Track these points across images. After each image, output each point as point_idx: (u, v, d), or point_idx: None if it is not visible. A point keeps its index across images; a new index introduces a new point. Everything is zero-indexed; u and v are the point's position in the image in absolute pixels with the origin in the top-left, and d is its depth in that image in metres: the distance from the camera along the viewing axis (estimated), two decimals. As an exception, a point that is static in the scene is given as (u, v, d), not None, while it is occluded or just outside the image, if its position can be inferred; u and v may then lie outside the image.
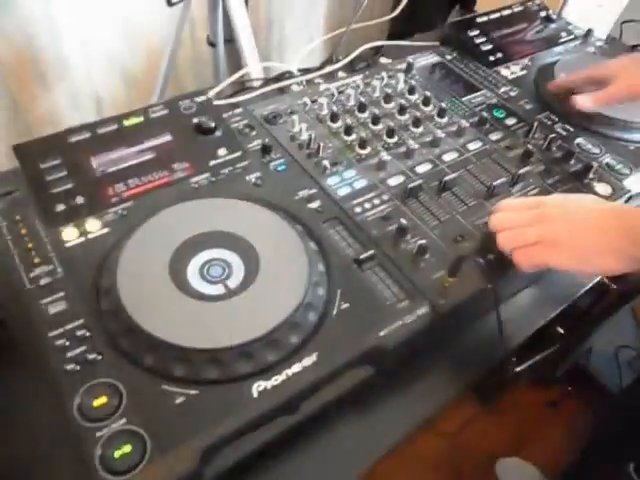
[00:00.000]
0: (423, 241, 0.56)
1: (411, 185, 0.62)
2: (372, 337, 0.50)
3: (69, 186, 0.58)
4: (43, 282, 0.50)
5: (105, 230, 0.55)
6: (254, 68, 0.95)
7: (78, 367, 0.45)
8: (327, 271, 0.54)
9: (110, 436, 0.41)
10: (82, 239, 0.54)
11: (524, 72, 0.85)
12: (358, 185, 0.63)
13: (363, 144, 0.67)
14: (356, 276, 0.54)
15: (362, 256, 0.54)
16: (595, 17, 1.02)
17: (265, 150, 0.65)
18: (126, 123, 0.63)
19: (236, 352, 0.45)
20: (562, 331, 0.95)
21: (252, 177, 0.62)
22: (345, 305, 0.51)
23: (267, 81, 0.83)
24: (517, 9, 0.94)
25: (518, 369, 0.60)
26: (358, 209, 0.60)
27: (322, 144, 0.65)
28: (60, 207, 0.56)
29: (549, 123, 0.76)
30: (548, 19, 0.95)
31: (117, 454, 0.41)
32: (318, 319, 0.50)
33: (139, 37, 1.30)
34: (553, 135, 0.71)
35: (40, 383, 0.47)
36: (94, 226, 0.55)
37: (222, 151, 0.64)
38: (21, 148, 0.59)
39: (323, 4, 1.61)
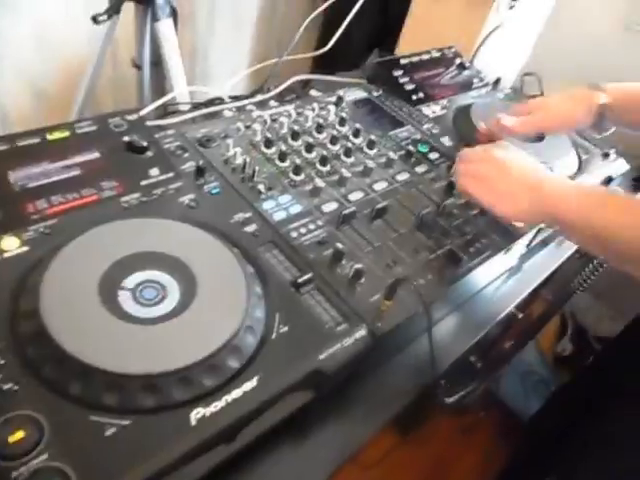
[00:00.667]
0: (359, 265, 0.57)
1: (345, 212, 0.63)
2: (312, 361, 0.49)
3: (-17, 200, 0.53)
4: (-51, 304, 0.45)
5: (24, 249, 0.51)
6: (182, 92, 0.93)
7: (-10, 399, 0.40)
8: (265, 294, 0.53)
9: (29, 475, 0.37)
10: (-3, 258, 0.49)
11: (444, 112, 0.92)
12: (293, 210, 0.64)
13: (297, 170, 0.68)
14: (294, 299, 0.54)
15: (300, 279, 0.54)
16: (501, 68, 1.12)
17: (199, 172, 0.63)
18: (50, 137, 0.60)
19: (173, 377, 0.43)
20: (477, 361, 0.99)
21: (185, 199, 0.60)
22: (284, 329, 0.51)
23: (197, 105, 0.83)
24: (435, 54, 1.02)
25: (450, 400, 0.62)
26: (294, 234, 0.61)
27: (257, 168, 0.65)
28: (-29, 223, 0.51)
29: (468, 159, 0.81)
30: (462, 66, 1.03)
31: (37, 495, 0.37)
32: (258, 343, 0.49)
33: (53, 51, 1.23)
34: (473, 170, 0.76)
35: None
36: (11, 244, 0.51)
37: (154, 171, 0.62)
38: None
39: (247, 36, 1.64)
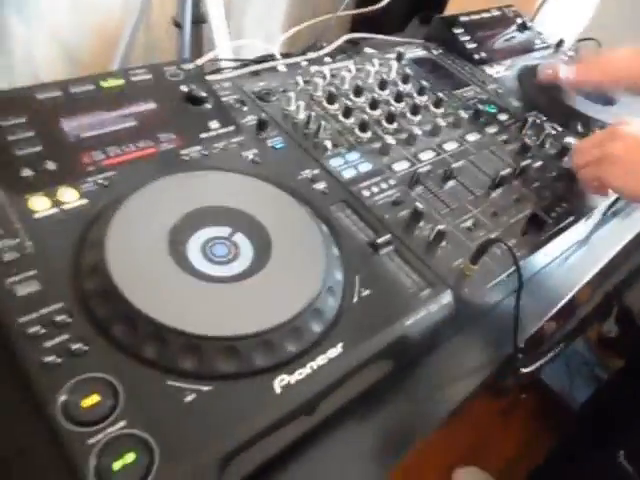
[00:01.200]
0: (441, 227, 0.52)
1: (420, 170, 0.58)
2: (398, 327, 0.45)
3: (37, 149, 0.48)
4: (8, 258, 0.41)
5: (83, 201, 0.46)
6: (226, 49, 0.88)
7: (59, 359, 0.36)
8: (342, 255, 0.49)
9: (107, 443, 0.33)
10: (55, 210, 0.45)
11: (507, 72, 0.85)
12: (363, 168, 0.59)
13: (364, 127, 0.63)
14: (373, 262, 0.49)
15: (379, 240, 0.50)
16: (561, 30, 1.04)
17: (261, 126, 0.59)
18: (104, 84, 0.55)
19: (255, 341, 0.39)
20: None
21: (249, 154, 0.56)
22: (365, 292, 0.46)
23: (249, 62, 0.77)
24: (495, 13, 0.95)
25: (530, 368, 0.58)
26: (366, 192, 0.56)
27: (323, 124, 0.60)
28: (26, 172, 0.47)
29: (538, 122, 0.76)
30: (524, 26, 0.96)
31: (117, 465, 0.32)
32: (339, 306, 0.44)
33: (88, 14, 1.19)
34: (547, 132, 0.71)
35: (12, 381, 0.38)
36: (70, 196, 0.46)
37: (214, 124, 0.57)
38: (-25, 102, 0.49)
39: (282, 3, 1.57)
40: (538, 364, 0.62)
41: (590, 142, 0.62)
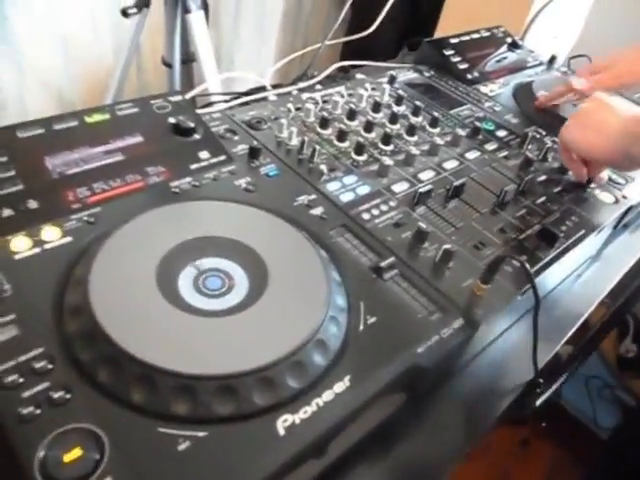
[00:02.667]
0: (448, 246, 0.49)
1: (421, 190, 0.56)
2: (409, 355, 0.41)
3: (18, 188, 0.46)
4: (-16, 303, 0.38)
5: (67, 239, 0.44)
6: (216, 84, 0.87)
7: (39, 410, 0.33)
8: (344, 281, 0.46)
9: (91, 503, 0.30)
10: (37, 250, 0.43)
11: (502, 90, 0.84)
12: (361, 191, 0.56)
13: (360, 150, 0.61)
14: (377, 287, 0.46)
15: (382, 264, 0.47)
16: (551, 48, 1.04)
17: (253, 154, 0.57)
18: (88, 120, 0.53)
19: (253, 378, 0.35)
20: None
21: (242, 182, 0.53)
22: (372, 319, 0.43)
23: (240, 94, 0.76)
24: (484, 34, 0.95)
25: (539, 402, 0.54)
26: (366, 215, 0.53)
27: (317, 148, 0.58)
28: (7, 212, 0.44)
29: (538, 136, 0.74)
30: (514, 45, 0.95)
31: (103, 528, 0.29)
32: (344, 336, 0.41)
33: (79, 63, 1.19)
34: (549, 145, 0.69)
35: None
36: (52, 235, 0.44)
37: (204, 154, 0.55)
38: (-46, 143, 0.47)
39: (272, 34, 1.59)
40: (554, 387, 0.58)
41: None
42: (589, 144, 0.60)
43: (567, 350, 1.33)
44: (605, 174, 0.66)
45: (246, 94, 0.77)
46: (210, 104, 0.77)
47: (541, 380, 0.55)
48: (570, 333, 0.62)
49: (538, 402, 0.63)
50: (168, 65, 0.99)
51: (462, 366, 0.53)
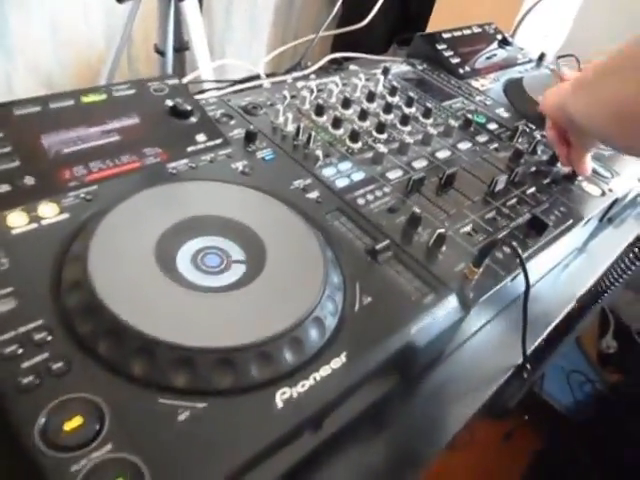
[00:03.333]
0: (441, 230, 0.50)
1: (415, 177, 0.56)
2: (403, 334, 0.42)
3: (15, 164, 0.46)
4: (-18, 275, 0.38)
5: (64, 215, 0.44)
6: (208, 72, 0.87)
7: (38, 380, 0.33)
8: (340, 263, 0.46)
9: (92, 469, 0.30)
10: (34, 225, 0.42)
11: (493, 85, 0.86)
12: (356, 177, 0.57)
13: (354, 137, 0.61)
14: (373, 268, 0.47)
15: (377, 247, 0.47)
16: (539, 47, 1.06)
17: (249, 138, 0.57)
18: (84, 100, 0.53)
19: (252, 352, 0.36)
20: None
21: (239, 165, 0.54)
22: (368, 300, 0.44)
23: (235, 82, 0.77)
24: (476, 30, 0.96)
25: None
26: (361, 200, 0.54)
27: (313, 134, 0.59)
28: (4, 187, 0.44)
29: (527, 130, 0.75)
30: (505, 42, 0.97)
31: (104, 494, 0.29)
32: (340, 314, 0.42)
33: (69, 46, 1.18)
34: (538, 139, 0.70)
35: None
36: (50, 211, 0.44)
37: (201, 137, 0.56)
38: (-51, 118, 0.47)
39: (263, 27, 1.59)
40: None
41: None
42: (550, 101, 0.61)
43: (548, 344, 1.35)
44: (589, 165, 0.66)
45: (240, 82, 0.78)
46: (203, 91, 0.77)
47: (528, 366, 0.57)
48: (555, 323, 0.63)
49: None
50: (161, 53, 0.99)
51: (450, 352, 0.53)
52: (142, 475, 0.30)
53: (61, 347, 0.35)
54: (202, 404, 0.34)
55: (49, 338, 0.35)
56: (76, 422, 0.32)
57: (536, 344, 0.61)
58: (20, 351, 0.34)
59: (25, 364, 0.34)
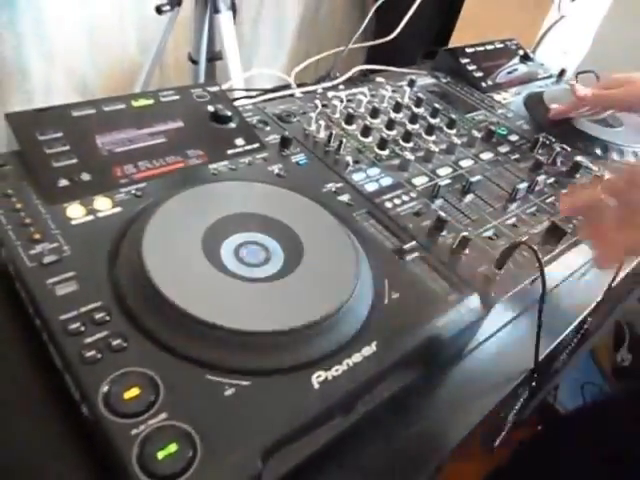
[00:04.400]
0: (465, 233, 0.53)
1: (441, 183, 0.60)
2: (429, 327, 0.45)
3: (73, 161, 0.50)
4: (47, 260, 0.42)
5: (117, 209, 0.48)
6: (240, 81, 0.92)
7: (100, 355, 0.37)
8: (370, 260, 0.49)
9: (149, 434, 0.33)
10: (91, 217, 0.46)
11: (514, 99, 0.89)
12: (384, 182, 0.60)
13: (382, 145, 0.65)
14: (400, 267, 0.50)
15: (405, 247, 0.51)
16: (561, 62, 1.09)
17: (284, 143, 0.61)
18: (134, 104, 0.57)
19: (293, 337, 0.39)
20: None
21: (274, 168, 0.57)
22: (395, 295, 0.47)
23: (267, 91, 0.81)
24: (498, 45, 0.99)
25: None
26: (389, 204, 0.57)
27: (344, 141, 0.62)
28: (63, 182, 0.48)
29: (547, 142, 0.78)
30: (526, 57, 1.00)
31: (160, 455, 0.32)
32: (370, 307, 0.45)
33: (104, 52, 1.24)
34: (558, 150, 0.73)
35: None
36: (104, 205, 0.48)
37: (239, 141, 0.59)
38: (14, 117, 0.51)
39: (288, 39, 1.64)
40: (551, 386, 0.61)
41: (597, 192, 0.44)
42: None
43: (563, 356, 1.36)
44: None
45: (272, 91, 0.82)
46: (236, 99, 0.81)
47: (536, 375, 0.59)
48: (569, 329, 0.65)
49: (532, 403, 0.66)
50: (194, 62, 1.03)
51: (470, 351, 0.56)
52: (193, 441, 0.33)
53: (119, 326, 0.39)
54: (246, 382, 0.37)
55: (107, 318, 0.39)
56: (134, 392, 0.35)
57: (551, 347, 0.63)
58: (83, 328, 0.38)
59: (87, 340, 0.37)
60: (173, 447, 0.33)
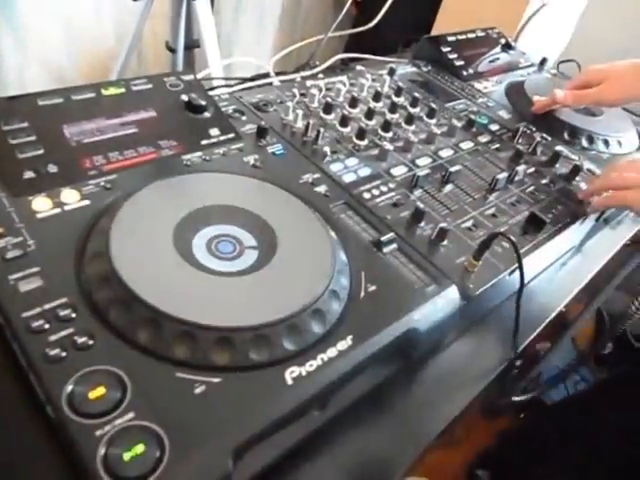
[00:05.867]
0: (443, 225, 0.52)
1: (420, 174, 0.59)
2: (406, 320, 0.44)
3: (39, 152, 0.48)
4: (10, 255, 0.40)
5: (85, 202, 0.46)
6: (218, 70, 0.90)
7: (64, 353, 0.35)
8: (347, 252, 0.49)
9: (115, 434, 0.32)
10: (57, 210, 0.45)
11: (495, 88, 0.88)
12: (362, 173, 0.59)
13: (361, 135, 0.64)
14: (378, 259, 0.49)
15: (382, 238, 0.50)
16: (543, 51, 1.08)
17: (260, 133, 0.59)
18: (105, 93, 0.56)
19: (265, 332, 0.38)
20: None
21: (250, 159, 0.56)
22: (372, 287, 0.46)
23: (245, 80, 0.79)
24: (480, 34, 0.99)
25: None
26: (367, 195, 0.56)
27: (322, 131, 0.61)
28: (28, 174, 0.47)
29: (528, 132, 0.77)
30: (508, 46, 0.99)
31: (127, 456, 0.31)
32: (347, 301, 0.44)
33: (79, 40, 1.20)
34: (538, 140, 0.72)
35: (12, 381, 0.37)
36: (71, 197, 0.46)
37: (214, 131, 0.58)
38: (-23, 107, 0.49)
39: (270, 30, 1.61)
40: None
41: (609, 175, 0.63)
42: None
43: (544, 347, 1.37)
44: None
45: (250, 79, 0.80)
46: (213, 88, 0.79)
47: (518, 362, 0.59)
48: (549, 319, 0.65)
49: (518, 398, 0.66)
50: (172, 50, 1.01)
51: (449, 343, 0.55)
52: (161, 441, 0.32)
53: (85, 323, 0.37)
54: (217, 379, 0.36)
55: (73, 315, 0.38)
56: (100, 392, 0.34)
57: (530, 338, 0.63)
58: (47, 326, 0.37)
59: (52, 337, 0.36)
60: (140, 448, 0.32)
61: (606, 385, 1.08)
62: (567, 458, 0.90)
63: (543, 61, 1.00)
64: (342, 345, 0.41)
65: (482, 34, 0.99)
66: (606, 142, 0.79)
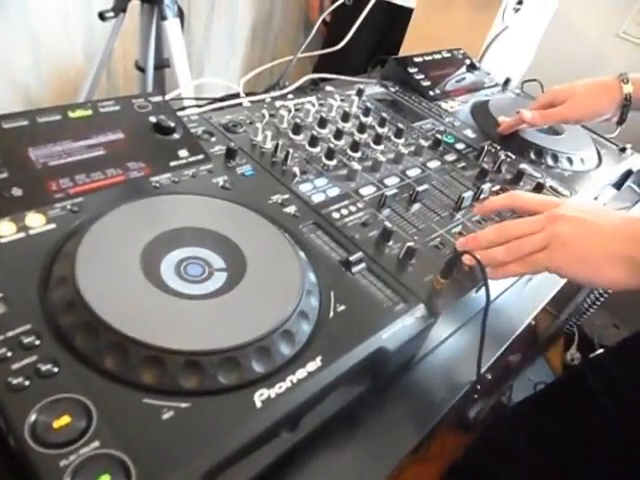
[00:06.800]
0: (411, 244, 0.53)
1: (388, 193, 0.60)
2: (375, 339, 0.45)
3: (3, 175, 0.48)
4: (-28, 282, 0.40)
5: (51, 226, 0.46)
6: (189, 90, 0.90)
7: (27, 382, 0.35)
8: (316, 273, 0.49)
9: (80, 464, 0.32)
10: (22, 234, 0.44)
11: (461, 107, 0.90)
12: (331, 193, 0.60)
13: (330, 155, 0.65)
14: (347, 279, 0.50)
15: (351, 258, 0.50)
16: (506, 71, 1.12)
17: (229, 154, 0.60)
18: (71, 115, 0.55)
19: (232, 356, 0.38)
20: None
21: (219, 180, 0.56)
22: (341, 307, 0.46)
23: (215, 100, 0.79)
24: (445, 55, 1.01)
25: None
26: (336, 215, 0.57)
27: (291, 151, 0.62)
28: (-8, 198, 0.46)
29: (493, 150, 0.80)
30: (473, 67, 1.02)
31: (91, 487, 0.31)
32: (316, 321, 0.44)
33: (48, 60, 1.19)
34: (502, 158, 0.74)
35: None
36: (37, 221, 0.46)
37: (183, 152, 0.58)
38: (-62, 130, 0.48)
39: (240, 50, 1.62)
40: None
41: (522, 228, 0.52)
42: (590, 275, 0.49)
43: (517, 358, 1.40)
44: None
45: (220, 100, 0.80)
46: (183, 108, 0.79)
47: (489, 377, 0.60)
48: (517, 333, 0.67)
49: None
50: (141, 69, 1.01)
51: (419, 360, 0.56)
52: (128, 470, 0.32)
53: (49, 350, 0.37)
54: (185, 404, 0.36)
55: (37, 342, 0.37)
56: (64, 420, 0.33)
57: (499, 352, 0.64)
58: (9, 354, 0.36)
59: (15, 366, 0.35)
60: (106, 478, 0.31)
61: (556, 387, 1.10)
62: (536, 457, 0.91)
63: (507, 81, 1.03)
64: (311, 366, 0.41)
65: (448, 55, 1.02)
66: (570, 160, 0.81)
